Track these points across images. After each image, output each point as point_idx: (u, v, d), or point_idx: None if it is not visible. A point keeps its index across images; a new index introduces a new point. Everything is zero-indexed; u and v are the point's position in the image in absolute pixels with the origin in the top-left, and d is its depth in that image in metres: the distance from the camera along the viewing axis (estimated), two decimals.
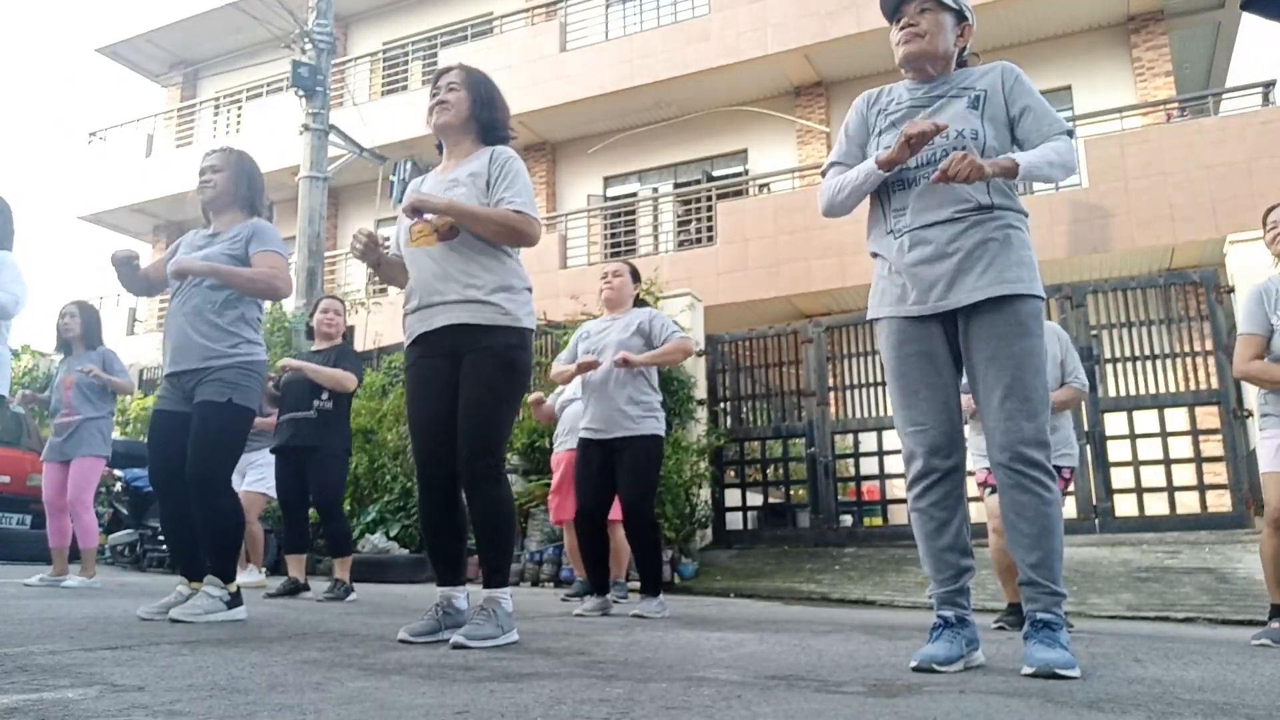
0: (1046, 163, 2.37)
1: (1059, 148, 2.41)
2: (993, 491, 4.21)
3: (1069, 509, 7.03)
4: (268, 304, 3.66)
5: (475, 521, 2.89)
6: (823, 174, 2.72)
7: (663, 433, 4.54)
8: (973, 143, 2.43)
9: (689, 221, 13.46)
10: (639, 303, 4.77)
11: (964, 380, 2.53)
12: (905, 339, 2.50)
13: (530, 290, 3.03)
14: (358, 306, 10.46)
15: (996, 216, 2.43)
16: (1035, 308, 2.42)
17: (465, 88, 3.03)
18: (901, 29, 2.55)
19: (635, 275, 4.77)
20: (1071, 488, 6.70)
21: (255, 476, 5.93)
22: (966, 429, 3.87)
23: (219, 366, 3.40)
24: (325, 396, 5.18)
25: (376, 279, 14.01)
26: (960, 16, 2.57)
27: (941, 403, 2.48)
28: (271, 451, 5.43)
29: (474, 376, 2.86)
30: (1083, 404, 7.25)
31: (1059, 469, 4.04)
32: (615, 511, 4.59)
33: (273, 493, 6.17)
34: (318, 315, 5.51)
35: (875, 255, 2.61)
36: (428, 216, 2.91)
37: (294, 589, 5.15)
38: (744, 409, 8.99)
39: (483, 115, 3.04)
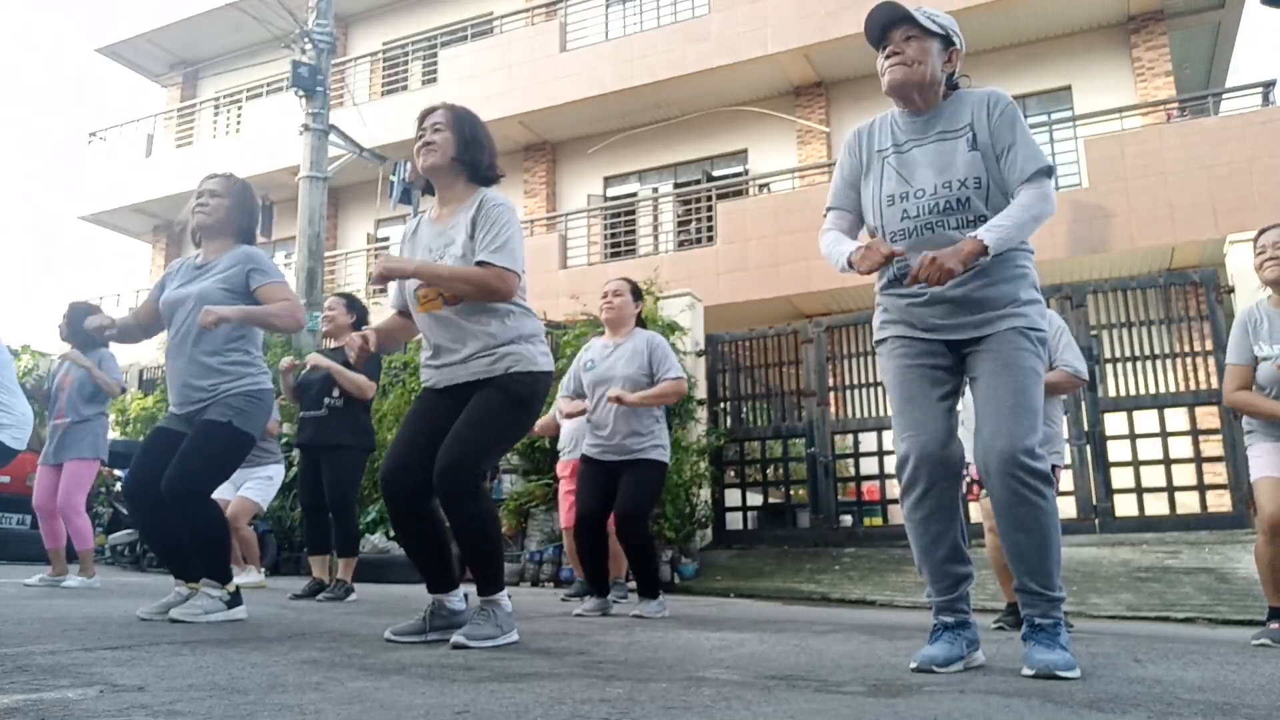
0: (1017, 225, 2.32)
1: (1034, 195, 2.35)
2: (988, 493, 4.21)
3: (1069, 509, 7.03)
4: None
5: (458, 538, 2.87)
6: (825, 214, 2.68)
7: (667, 460, 4.61)
8: (975, 192, 2.40)
9: (689, 221, 13.46)
10: (640, 320, 4.80)
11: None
12: (909, 352, 2.50)
13: (543, 335, 3.02)
14: None
15: (1001, 261, 2.39)
16: (1041, 335, 2.44)
17: (449, 128, 2.99)
18: (887, 57, 2.50)
19: (636, 293, 4.78)
20: (1067, 487, 6.70)
21: (250, 488, 5.90)
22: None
23: (226, 393, 3.40)
24: (336, 394, 5.16)
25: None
26: (947, 41, 2.51)
27: (941, 412, 2.47)
28: (294, 448, 5.42)
29: (477, 402, 2.86)
30: (1082, 404, 7.26)
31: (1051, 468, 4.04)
32: (613, 521, 4.61)
33: (265, 504, 6.15)
34: (322, 313, 5.51)
35: (882, 291, 2.59)
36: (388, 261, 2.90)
37: (318, 589, 5.14)
38: (744, 409, 8.99)
39: (466, 156, 2.99)
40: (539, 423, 5.79)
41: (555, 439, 6.38)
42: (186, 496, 3.26)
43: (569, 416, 4.75)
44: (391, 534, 8.21)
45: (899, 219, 2.47)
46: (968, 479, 4.43)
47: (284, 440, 6.66)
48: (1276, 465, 3.62)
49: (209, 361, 3.40)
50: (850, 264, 2.45)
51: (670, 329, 8.20)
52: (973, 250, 2.28)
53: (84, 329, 5.48)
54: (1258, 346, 3.66)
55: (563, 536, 6.36)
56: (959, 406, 2.59)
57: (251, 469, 5.77)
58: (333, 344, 5.46)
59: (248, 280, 3.45)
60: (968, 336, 2.43)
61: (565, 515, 5.87)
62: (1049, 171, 2.40)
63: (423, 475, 2.80)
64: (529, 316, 2.98)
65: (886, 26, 2.50)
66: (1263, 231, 3.74)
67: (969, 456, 4.26)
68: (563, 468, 5.95)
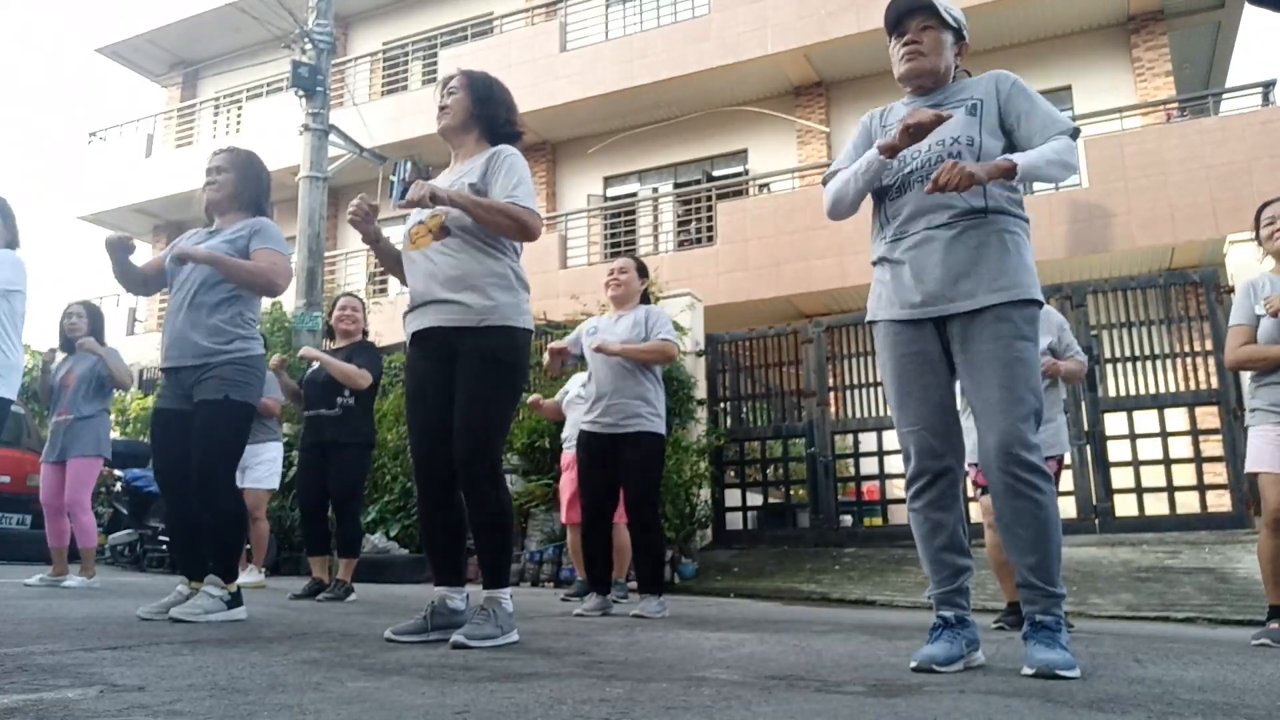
0: (1045, 161, 2.35)
1: (1058, 146, 2.38)
2: (985, 491, 4.22)
3: (1069, 509, 7.02)
4: (267, 303, 3.67)
5: (474, 523, 2.90)
6: (824, 183, 2.71)
7: (664, 433, 4.60)
8: (968, 149, 2.43)
9: (689, 221, 13.46)
10: (646, 298, 4.80)
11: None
12: (901, 341, 2.51)
13: (527, 290, 3.02)
14: None
15: (994, 220, 2.42)
16: (1032, 313, 2.42)
17: (463, 89, 3.08)
18: (904, 45, 2.56)
19: (642, 270, 4.79)
20: (1067, 486, 6.70)
21: (258, 474, 5.93)
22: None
23: (216, 364, 3.41)
24: (348, 393, 5.16)
25: (377, 280, 14.04)
26: (959, 35, 2.59)
27: (936, 403, 2.48)
28: (297, 449, 5.43)
29: (465, 378, 2.87)
30: (1082, 404, 7.27)
31: (1049, 459, 4.07)
32: (618, 513, 4.61)
33: (274, 486, 6.19)
34: (335, 313, 5.46)
35: (876, 263, 2.61)
36: (425, 216, 2.93)
37: (318, 589, 5.14)
38: (744, 409, 8.99)
39: (481, 112, 3.06)
40: (545, 409, 5.81)
41: (556, 437, 6.39)
42: (210, 481, 3.32)
43: (556, 353, 4.69)
44: (392, 534, 8.22)
45: (900, 171, 2.51)
46: (968, 478, 4.44)
47: (285, 440, 6.66)
48: (1277, 459, 3.63)
49: (206, 320, 3.43)
50: (883, 148, 2.44)
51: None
52: (1001, 166, 2.31)
53: (97, 327, 5.55)
54: (1259, 305, 3.71)
55: (565, 533, 6.36)
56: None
57: (252, 445, 5.63)
58: (335, 345, 5.46)
59: (250, 244, 3.49)
60: (958, 310, 2.41)
61: (566, 510, 5.87)
62: (1074, 133, 2.44)
63: (449, 463, 2.87)
64: (513, 266, 2.98)
65: (905, 14, 2.56)
66: (1267, 205, 3.84)
67: (971, 457, 4.31)
68: (566, 463, 5.96)
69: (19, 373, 4.24)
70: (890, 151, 2.45)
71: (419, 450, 2.98)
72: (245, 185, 3.63)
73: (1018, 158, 2.33)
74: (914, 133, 2.38)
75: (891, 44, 2.61)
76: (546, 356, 4.74)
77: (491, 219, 2.87)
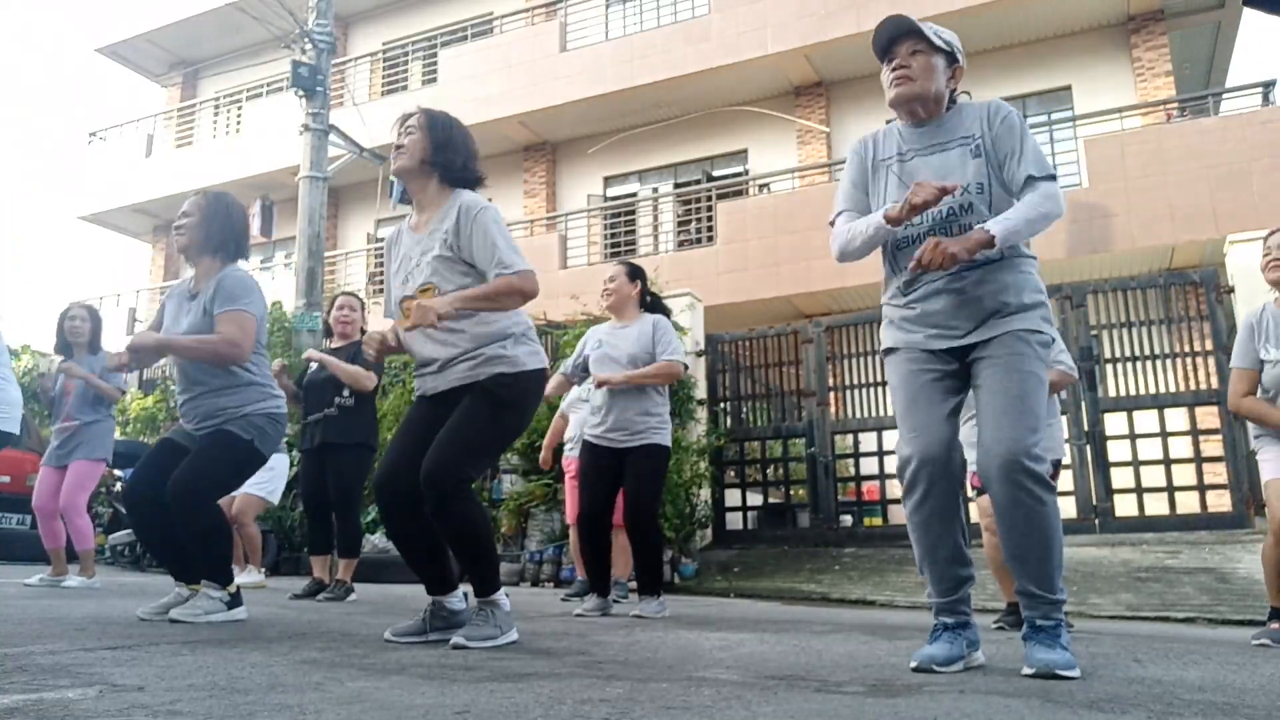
0: (1025, 220, 2.33)
1: (1034, 200, 2.36)
2: (980, 492, 4.21)
3: (1069, 509, 7.02)
4: (267, 302, 3.63)
5: (449, 540, 2.85)
6: (831, 223, 2.67)
7: (669, 444, 4.59)
8: (978, 197, 2.42)
9: (689, 221, 13.46)
10: (650, 304, 4.78)
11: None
12: (915, 358, 2.51)
13: (531, 329, 3.01)
14: None
15: (1014, 263, 2.43)
16: (1045, 340, 2.44)
17: (422, 130, 2.96)
18: (893, 70, 2.52)
19: (635, 273, 4.75)
20: (1067, 486, 6.70)
21: (257, 480, 5.91)
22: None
23: (251, 413, 3.42)
24: (347, 393, 5.15)
25: (377, 280, 14.05)
26: (952, 59, 2.53)
27: (941, 411, 2.47)
28: (299, 452, 5.43)
29: (463, 407, 2.85)
30: (1082, 404, 7.26)
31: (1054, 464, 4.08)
32: (618, 517, 4.61)
33: (273, 498, 6.17)
34: (334, 313, 5.45)
35: (891, 302, 2.60)
36: (414, 289, 2.89)
37: (318, 589, 5.13)
38: (744, 409, 8.98)
39: (439, 159, 2.95)
40: (554, 427, 5.85)
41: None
42: (191, 501, 3.28)
43: (554, 394, 4.69)
44: None
45: (904, 225, 2.47)
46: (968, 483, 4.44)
47: (286, 440, 6.66)
48: None
49: (229, 380, 3.41)
50: (889, 218, 2.41)
51: None
52: (980, 240, 2.30)
53: (97, 331, 5.56)
54: (1264, 350, 3.66)
55: (567, 533, 6.37)
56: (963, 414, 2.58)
57: None
58: (334, 344, 5.46)
59: (214, 307, 3.39)
60: (970, 341, 2.43)
61: (571, 509, 5.87)
62: (1052, 177, 2.42)
63: (413, 481, 2.78)
64: (514, 313, 2.95)
65: (893, 39, 2.52)
66: (1273, 233, 3.77)
67: (970, 466, 4.31)
68: (567, 464, 5.97)
69: (19, 407, 4.25)
70: (896, 223, 2.43)
71: (383, 465, 2.91)
72: (211, 229, 3.52)
73: (995, 227, 2.31)
74: (918, 210, 2.38)
75: (883, 70, 2.57)
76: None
77: (499, 305, 2.83)
